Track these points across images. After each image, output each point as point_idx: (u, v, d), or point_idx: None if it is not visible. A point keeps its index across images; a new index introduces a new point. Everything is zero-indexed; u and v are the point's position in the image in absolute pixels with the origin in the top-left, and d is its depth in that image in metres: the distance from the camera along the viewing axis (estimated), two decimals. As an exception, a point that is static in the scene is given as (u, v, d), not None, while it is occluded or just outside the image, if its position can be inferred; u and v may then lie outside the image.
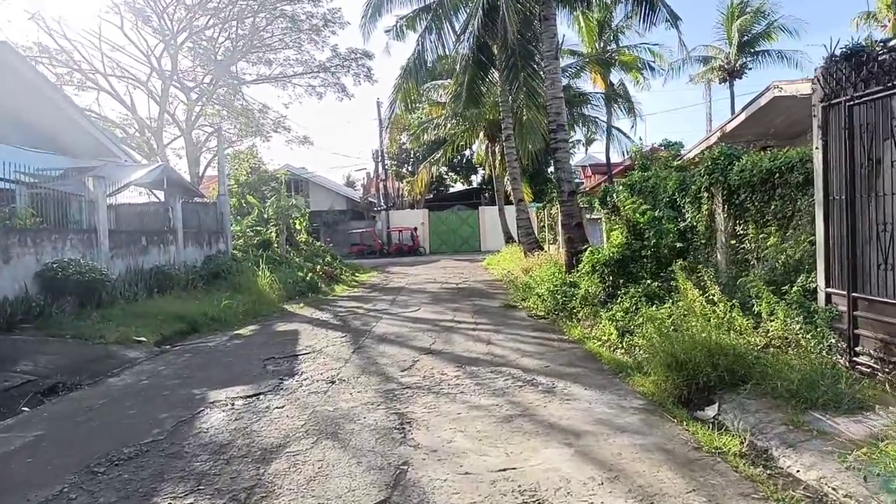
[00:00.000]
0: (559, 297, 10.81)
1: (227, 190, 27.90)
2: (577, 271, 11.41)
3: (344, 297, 16.54)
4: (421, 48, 15.38)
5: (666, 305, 7.78)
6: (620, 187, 13.00)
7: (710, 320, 6.30)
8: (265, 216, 23.74)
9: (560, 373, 6.71)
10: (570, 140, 48.55)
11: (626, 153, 25.72)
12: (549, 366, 7.07)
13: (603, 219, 15.91)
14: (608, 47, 28.76)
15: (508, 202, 32.24)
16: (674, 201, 10.50)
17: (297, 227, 26.06)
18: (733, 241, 8.45)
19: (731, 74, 30.76)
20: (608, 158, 30.50)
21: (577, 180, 41.44)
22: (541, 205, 29.15)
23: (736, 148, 8.88)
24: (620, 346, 7.44)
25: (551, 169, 46.74)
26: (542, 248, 20.15)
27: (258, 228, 23.29)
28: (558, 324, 9.88)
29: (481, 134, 29.81)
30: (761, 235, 7.39)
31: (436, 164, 29.86)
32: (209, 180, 40.40)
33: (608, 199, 14.85)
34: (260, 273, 16.11)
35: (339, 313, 12.87)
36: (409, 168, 47.94)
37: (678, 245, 9.77)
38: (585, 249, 13.19)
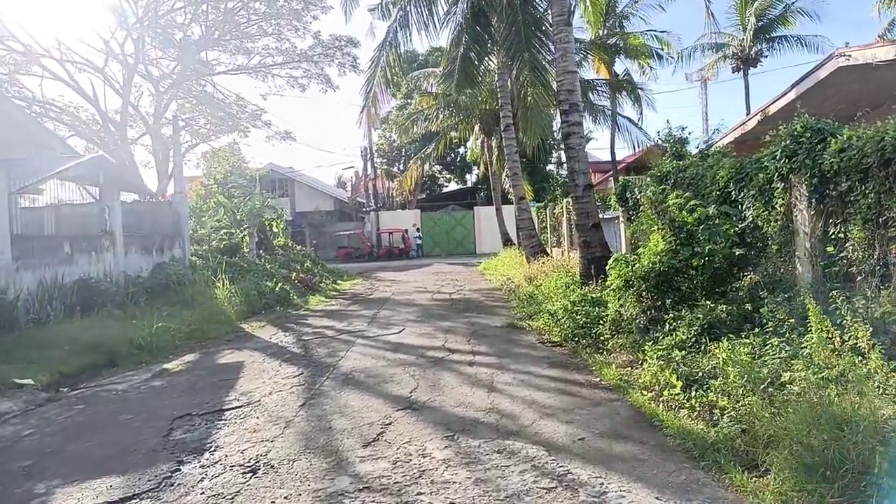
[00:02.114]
0: (579, 317, 8.45)
1: (207, 190, 25.44)
2: (603, 285, 9.07)
3: (317, 311, 14.14)
4: (404, 12, 12.94)
5: (746, 340, 5.44)
6: (648, 179, 10.67)
7: (846, 377, 3.94)
8: (238, 217, 21.30)
9: (605, 455, 4.33)
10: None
11: (636, 146, 23.44)
12: (585, 438, 4.71)
13: (621, 219, 13.58)
14: (612, 34, 26.44)
15: (506, 202, 29.94)
16: (727, 195, 8.17)
17: (275, 229, 23.65)
18: (829, 248, 6.09)
19: (746, 62, 28.47)
20: (613, 153, 28.20)
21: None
22: (541, 204, 26.82)
23: (826, 121, 6.54)
24: (686, 403, 5.06)
25: (550, 167, 44.62)
26: (546, 253, 17.80)
27: (232, 231, 20.88)
28: (582, 356, 7.50)
29: (476, 128, 27.50)
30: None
31: (427, 160, 27.49)
32: (187, 181, 37.93)
33: (628, 194, 12.54)
34: (219, 284, 13.70)
35: (305, 336, 10.47)
36: (401, 167, 45.53)
37: (737, 252, 7.42)
38: (604, 256, 10.88)
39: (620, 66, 28.22)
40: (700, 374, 5.31)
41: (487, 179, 35.43)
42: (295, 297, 15.73)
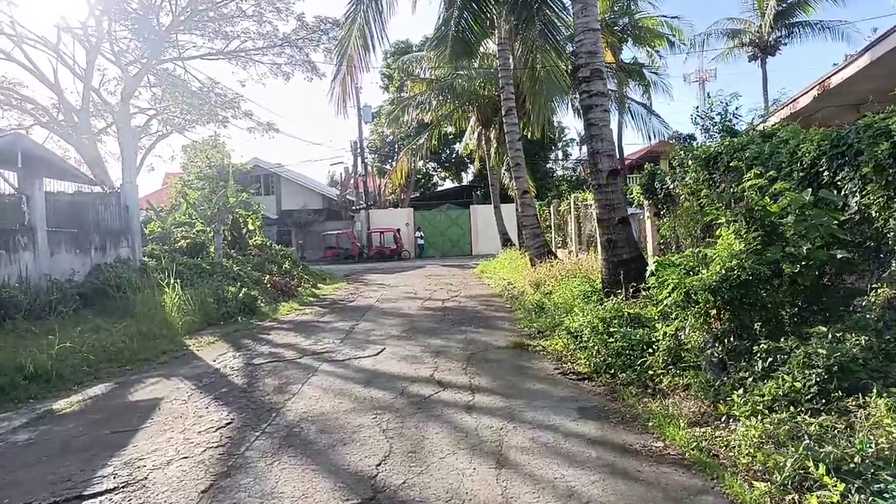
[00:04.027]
0: (615, 341, 6.28)
1: (185, 184, 23.08)
2: (639, 296, 6.94)
3: (285, 322, 11.94)
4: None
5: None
6: (690, 162, 8.55)
7: None
8: (209, 213, 19.06)
9: None
10: (565, 137, 43.60)
11: (652, 136, 21.31)
12: None
13: (647, 215, 11.46)
14: (623, 14, 24.38)
15: (505, 200, 27.79)
16: (814, 177, 6.04)
17: (251, 227, 21.43)
18: None
19: (764, 50, 26.44)
20: (620, 147, 26.12)
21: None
22: (543, 203, 24.71)
23: None
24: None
25: (549, 164, 42.47)
26: (553, 254, 15.66)
27: (204, 229, 18.68)
28: (625, 399, 5.34)
29: (473, 118, 25.31)
30: None
31: (419, 152, 25.31)
32: (170, 177, 35.49)
33: (657, 184, 10.43)
34: (168, 290, 11.50)
35: (258, 358, 8.27)
36: (394, 164, 43.35)
37: (839, 255, 5.27)
38: (633, 258, 8.76)
39: (627, 54, 26.30)
40: (858, 458, 3.15)
41: (484, 176, 33.29)
42: (263, 304, 13.54)
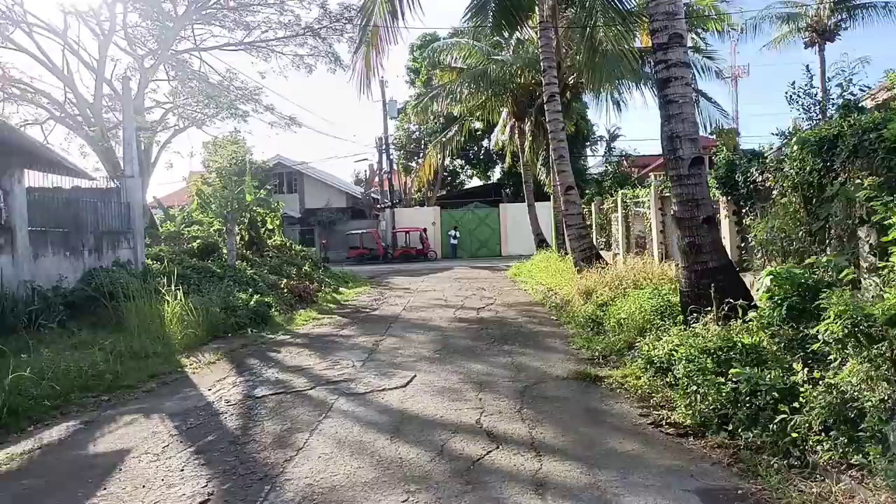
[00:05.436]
0: (729, 385, 4.62)
1: (204, 180, 21.79)
2: (759, 322, 5.27)
3: (300, 336, 10.47)
4: None
5: None
6: (796, 147, 6.85)
7: None
8: (225, 212, 17.77)
9: None
10: (595, 134, 41.55)
11: (708, 126, 19.30)
12: None
13: (723, 214, 9.74)
14: None
15: (539, 198, 26.11)
16: None
17: (269, 226, 20.12)
18: None
19: (822, 36, 24.33)
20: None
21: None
22: (583, 200, 22.93)
23: None
24: None
25: (581, 161, 40.44)
26: (600, 258, 13.98)
27: (220, 228, 17.42)
28: (760, 472, 3.70)
29: (505, 111, 23.67)
30: None
31: (448, 146, 23.73)
32: (193, 176, 34.54)
33: (739, 177, 8.75)
34: (169, 298, 10.11)
35: (261, 388, 6.79)
36: (419, 160, 41.83)
37: None
38: (721, 267, 7.09)
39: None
40: None
41: (514, 174, 31.59)
42: (277, 313, 12.14)
